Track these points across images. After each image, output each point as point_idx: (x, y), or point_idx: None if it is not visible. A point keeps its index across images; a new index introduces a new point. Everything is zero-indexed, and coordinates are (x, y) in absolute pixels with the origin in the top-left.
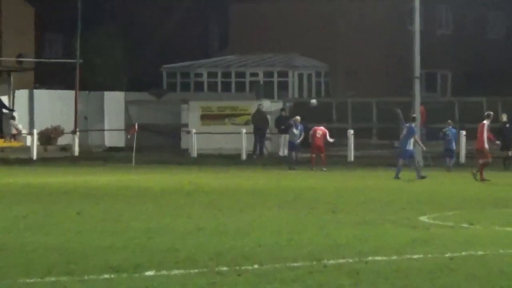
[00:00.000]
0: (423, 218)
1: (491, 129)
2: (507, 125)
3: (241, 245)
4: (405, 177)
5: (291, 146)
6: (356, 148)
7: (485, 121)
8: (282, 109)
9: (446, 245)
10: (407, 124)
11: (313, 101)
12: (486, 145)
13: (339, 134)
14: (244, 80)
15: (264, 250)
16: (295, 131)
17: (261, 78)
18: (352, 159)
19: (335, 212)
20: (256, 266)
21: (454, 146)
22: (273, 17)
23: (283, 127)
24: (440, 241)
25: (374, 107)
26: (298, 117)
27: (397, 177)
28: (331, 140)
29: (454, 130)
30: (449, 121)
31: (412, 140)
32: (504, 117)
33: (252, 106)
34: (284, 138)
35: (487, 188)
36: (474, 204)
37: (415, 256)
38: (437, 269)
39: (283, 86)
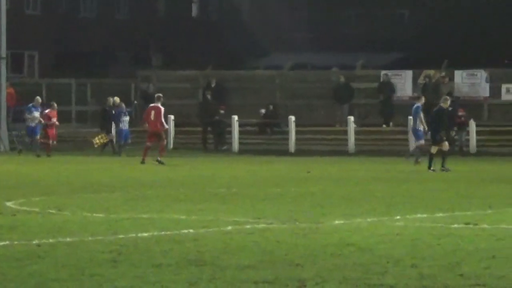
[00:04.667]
0: (10, 204)
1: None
2: (113, 111)
3: None
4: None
5: None
6: None
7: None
8: None
9: (34, 232)
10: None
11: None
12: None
13: None
14: None
15: None
16: None
17: None
18: None
19: None
20: None
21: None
22: None
23: None
24: (27, 227)
25: None
26: None
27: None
28: None
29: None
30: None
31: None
32: (111, 101)
33: None
34: None
35: (77, 172)
36: (63, 189)
37: (1, 243)
38: (25, 257)
39: None
